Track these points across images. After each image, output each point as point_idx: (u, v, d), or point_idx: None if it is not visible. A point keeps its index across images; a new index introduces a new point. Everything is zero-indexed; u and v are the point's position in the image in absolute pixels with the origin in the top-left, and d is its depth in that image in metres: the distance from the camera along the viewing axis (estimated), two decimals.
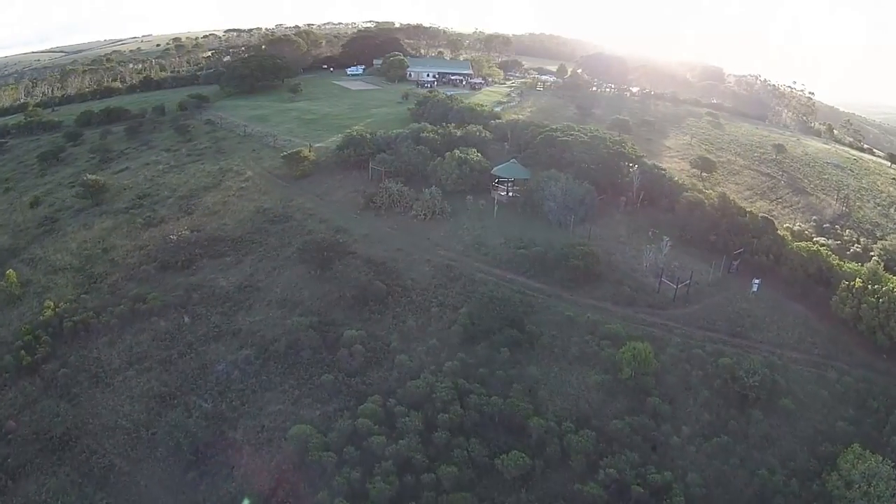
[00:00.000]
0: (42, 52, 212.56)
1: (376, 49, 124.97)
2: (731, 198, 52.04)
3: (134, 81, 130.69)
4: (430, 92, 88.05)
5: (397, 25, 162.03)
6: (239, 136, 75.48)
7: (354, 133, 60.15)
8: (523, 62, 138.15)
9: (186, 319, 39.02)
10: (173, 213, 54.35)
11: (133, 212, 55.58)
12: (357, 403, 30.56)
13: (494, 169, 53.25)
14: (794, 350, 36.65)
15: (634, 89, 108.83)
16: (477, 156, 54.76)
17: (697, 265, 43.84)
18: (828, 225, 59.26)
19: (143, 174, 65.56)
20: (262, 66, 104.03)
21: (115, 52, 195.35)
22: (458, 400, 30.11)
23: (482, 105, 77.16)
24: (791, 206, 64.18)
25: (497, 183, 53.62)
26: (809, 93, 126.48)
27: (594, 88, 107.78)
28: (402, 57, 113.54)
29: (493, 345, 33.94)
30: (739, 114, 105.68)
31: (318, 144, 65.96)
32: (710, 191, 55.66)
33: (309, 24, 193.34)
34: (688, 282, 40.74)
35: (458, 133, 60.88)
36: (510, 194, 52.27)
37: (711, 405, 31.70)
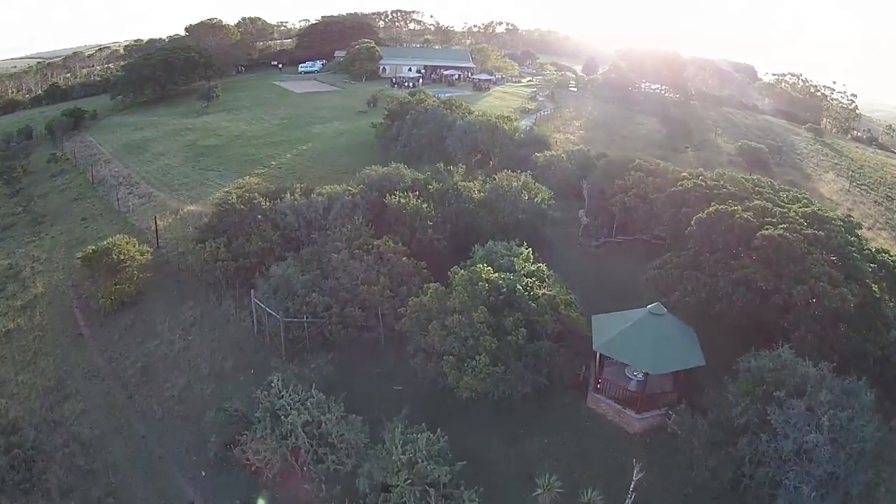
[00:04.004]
0: (20, 58, 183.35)
1: (341, 39, 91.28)
2: None
3: (39, 92, 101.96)
4: (414, 95, 50.67)
5: (369, 13, 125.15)
6: (86, 183, 43.12)
7: (233, 200, 26.70)
8: (538, 56, 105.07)
9: None
10: None
11: None
12: None
13: (598, 339, 19.29)
14: None
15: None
16: (544, 281, 21.17)
17: None
18: None
19: None
20: (169, 64, 71.11)
21: (75, 54, 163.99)
22: None
23: (506, 117, 42.70)
24: None
25: (605, 376, 19.91)
26: (852, 95, 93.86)
27: (633, 88, 76.25)
28: (372, 44, 79.53)
29: None
30: (799, 121, 74.68)
31: (189, 208, 33.24)
32: None
33: (281, 23, 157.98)
34: None
35: (477, 191, 27.74)
36: (658, 412, 18.80)
37: None
